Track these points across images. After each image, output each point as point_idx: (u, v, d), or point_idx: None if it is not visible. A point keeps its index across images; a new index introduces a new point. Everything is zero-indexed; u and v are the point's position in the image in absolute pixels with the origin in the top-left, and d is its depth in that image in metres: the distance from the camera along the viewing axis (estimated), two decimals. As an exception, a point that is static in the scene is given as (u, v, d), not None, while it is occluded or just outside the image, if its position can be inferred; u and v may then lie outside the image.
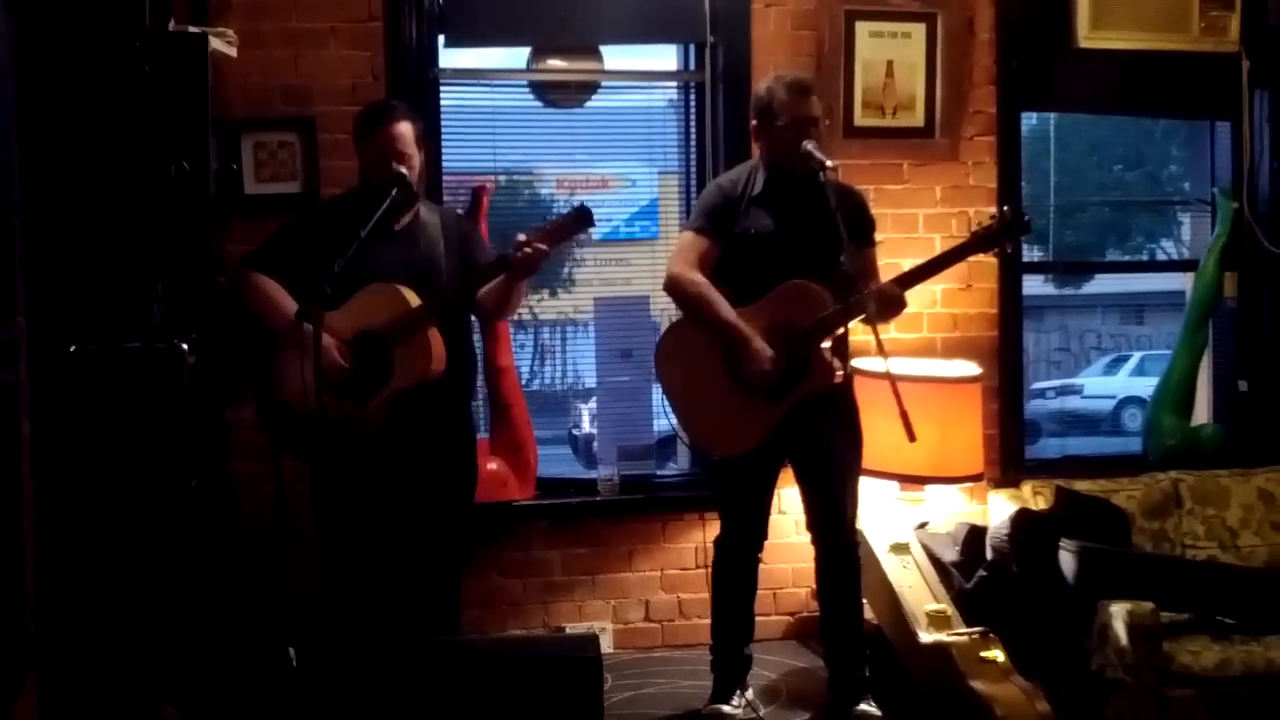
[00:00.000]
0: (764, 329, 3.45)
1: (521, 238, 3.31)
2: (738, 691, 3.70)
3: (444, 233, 3.49)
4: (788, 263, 3.49)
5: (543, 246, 3.29)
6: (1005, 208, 3.54)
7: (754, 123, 3.62)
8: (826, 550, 3.65)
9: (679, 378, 3.62)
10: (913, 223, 4.51)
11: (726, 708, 3.65)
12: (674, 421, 3.65)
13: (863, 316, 3.37)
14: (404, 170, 3.36)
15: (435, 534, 3.49)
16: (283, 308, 3.36)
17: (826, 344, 3.44)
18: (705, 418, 3.60)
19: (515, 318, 4.33)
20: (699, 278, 3.52)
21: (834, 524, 3.60)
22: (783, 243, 3.51)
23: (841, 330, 3.46)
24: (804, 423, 3.50)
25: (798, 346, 3.43)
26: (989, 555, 3.85)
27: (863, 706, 3.59)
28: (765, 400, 3.47)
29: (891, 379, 3.21)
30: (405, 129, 3.43)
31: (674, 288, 3.57)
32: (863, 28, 4.39)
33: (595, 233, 4.36)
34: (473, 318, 3.70)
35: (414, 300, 3.32)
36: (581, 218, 3.35)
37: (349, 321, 3.33)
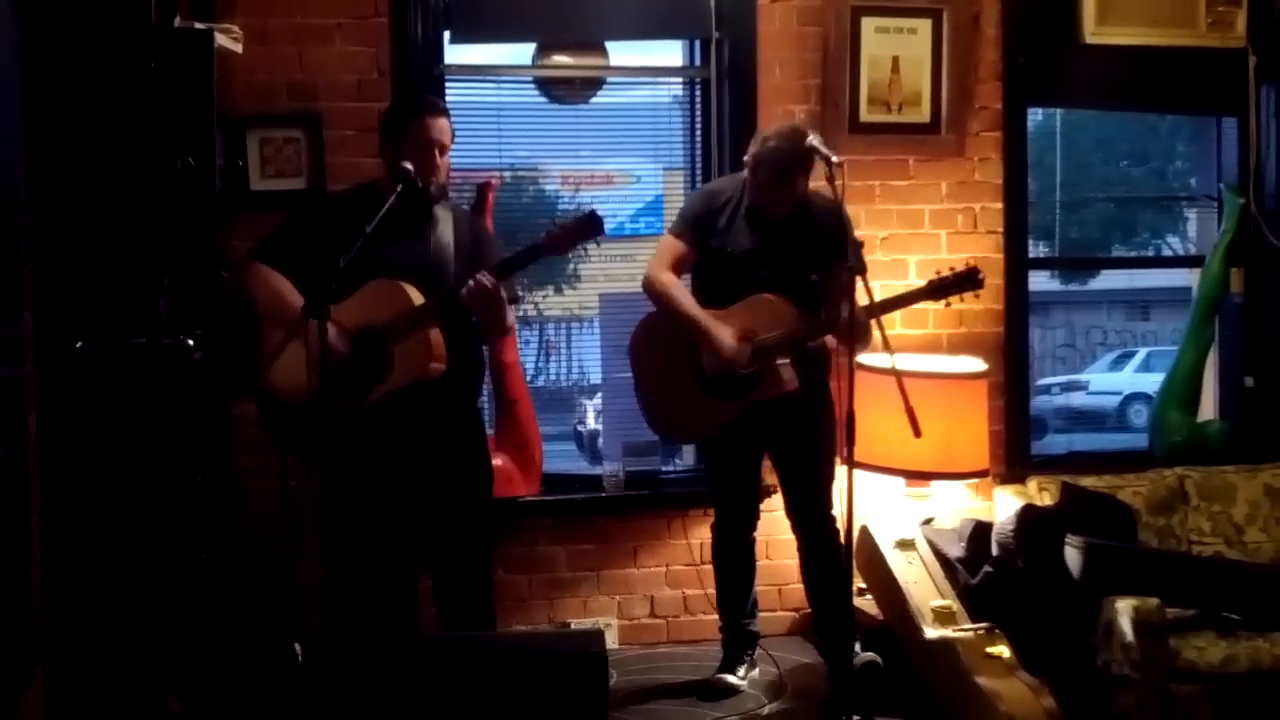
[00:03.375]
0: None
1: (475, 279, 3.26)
2: (744, 664, 3.91)
3: (455, 232, 3.47)
4: (762, 281, 3.66)
5: (486, 284, 3.22)
6: (970, 263, 3.64)
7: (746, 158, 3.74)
8: (803, 540, 3.84)
9: (646, 364, 3.87)
10: (919, 218, 4.51)
11: (731, 677, 3.86)
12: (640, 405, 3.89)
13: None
14: (409, 166, 3.34)
15: (458, 533, 3.49)
16: (289, 301, 3.32)
17: (785, 359, 3.62)
18: (665, 405, 3.85)
19: (520, 314, 4.31)
20: (668, 277, 3.74)
21: (804, 514, 3.79)
22: (760, 263, 3.67)
23: (803, 348, 3.62)
24: (773, 423, 3.72)
25: (756, 357, 3.61)
26: (994, 551, 3.84)
27: (860, 655, 3.80)
28: (720, 398, 3.68)
29: (897, 375, 3.21)
30: (448, 124, 3.42)
31: (647, 286, 3.79)
32: (868, 23, 4.38)
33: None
34: None
35: (417, 298, 3.28)
36: (590, 225, 3.22)
37: (351, 315, 3.30)
